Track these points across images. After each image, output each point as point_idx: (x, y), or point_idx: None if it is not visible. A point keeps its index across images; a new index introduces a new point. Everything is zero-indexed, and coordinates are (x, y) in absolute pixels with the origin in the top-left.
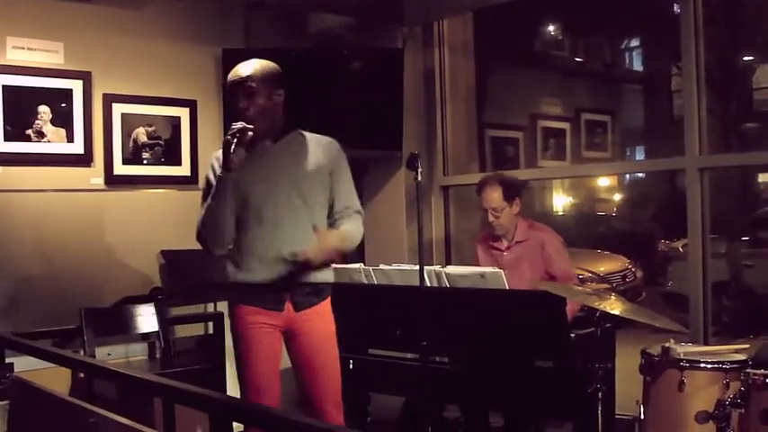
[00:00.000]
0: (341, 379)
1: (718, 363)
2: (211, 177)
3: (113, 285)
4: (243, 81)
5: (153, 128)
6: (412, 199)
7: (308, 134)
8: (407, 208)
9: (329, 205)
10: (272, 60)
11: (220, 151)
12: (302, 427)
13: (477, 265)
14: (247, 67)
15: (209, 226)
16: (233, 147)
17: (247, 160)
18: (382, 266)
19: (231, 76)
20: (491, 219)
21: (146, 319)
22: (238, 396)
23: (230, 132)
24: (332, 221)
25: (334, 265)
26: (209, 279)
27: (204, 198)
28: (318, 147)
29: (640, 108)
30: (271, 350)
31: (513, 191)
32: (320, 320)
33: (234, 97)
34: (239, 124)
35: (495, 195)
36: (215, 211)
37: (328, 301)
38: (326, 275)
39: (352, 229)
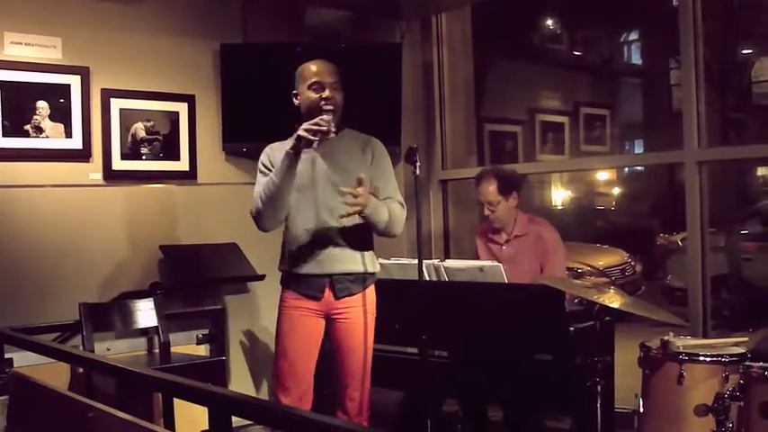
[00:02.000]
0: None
1: (717, 356)
2: (267, 163)
3: (112, 280)
4: (332, 72)
5: (151, 123)
6: (410, 193)
7: (354, 132)
8: (406, 202)
9: None
10: (270, 55)
11: (276, 144)
12: (302, 421)
13: (477, 258)
14: (328, 62)
15: (268, 200)
16: (310, 137)
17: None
18: (381, 260)
19: (318, 64)
20: (486, 212)
21: (145, 314)
22: (238, 389)
23: (317, 129)
24: None
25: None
26: (209, 274)
27: (259, 180)
28: (363, 143)
29: (639, 102)
30: (308, 331)
31: (509, 184)
32: (359, 309)
33: (316, 84)
34: (327, 120)
35: (490, 189)
36: (278, 186)
37: (371, 289)
38: (368, 265)
39: (386, 205)
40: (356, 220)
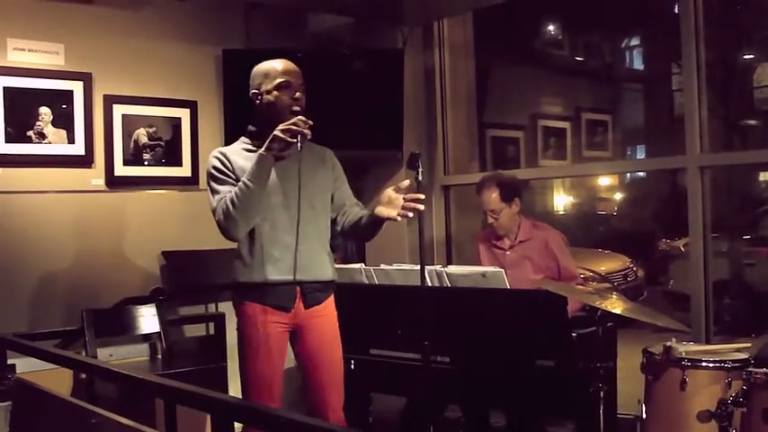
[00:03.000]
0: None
1: (719, 362)
2: (223, 168)
3: (114, 286)
4: (299, 76)
5: (153, 129)
6: None
7: (311, 143)
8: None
9: (335, 206)
10: None
11: (226, 148)
12: (304, 426)
13: (480, 264)
14: (295, 65)
15: (242, 206)
16: (288, 139)
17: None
18: (383, 266)
19: (286, 65)
20: (490, 220)
21: (147, 319)
22: (239, 394)
23: (297, 131)
24: (344, 213)
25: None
26: (211, 280)
27: (217, 187)
28: (322, 154)
29: (641, 107)
30: (278, 350)
31: (511, 191)
32: (328, 317)
33: (286, 86)
34: (304, 128)
35: (492, 196)
36: (254, 191)
37: (332, 297)
38: (332, 272)
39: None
40: (321, 226)
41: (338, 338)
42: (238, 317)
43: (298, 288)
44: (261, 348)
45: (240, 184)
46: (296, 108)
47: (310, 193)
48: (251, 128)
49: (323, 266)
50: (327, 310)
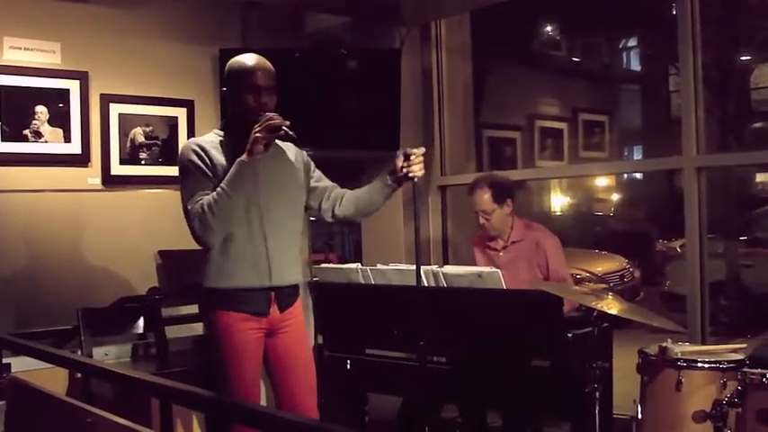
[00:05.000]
0: (339, 379)
1: (715, 362)
2: (200, 163)
3: (110, 286)
4: (269, 75)
5: (150, 128)
6: (409, 199)
7: (281, 143)
8: (404, 208)
9: (314, 195)
10: (270, 60)
11: (201, 139)
12: (297, 425)
13: (475, 266)
14: (265, 62)
15: (221, 213)
16: (267, 139)
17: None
18: (379, 266)
19: (256, 62)
20: (481, 221)
21: (143, 319)
22: None
23: (275, 124)
24: (329, 197)
25: (325, 265)
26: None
27: (193, 184)
28: (294, 155)
29: (638, 108)
30: (256, 356)
31: (503, 192)
32: (298, 317)
33: (253, 87)
34: (281, 120)
35: (484, 197)
36: (233, 199)
37: (300, 298)
38: (301, 274)
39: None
40: (296, 229)
41: (309, 338)
42: (211, 326)
43: (272, 293)
44: (241, 356)
45: (219, 190)
46: (265, 110)
47: (280, 194)
48: (223, 121)
49: (296, 270)
50: (297, 311)
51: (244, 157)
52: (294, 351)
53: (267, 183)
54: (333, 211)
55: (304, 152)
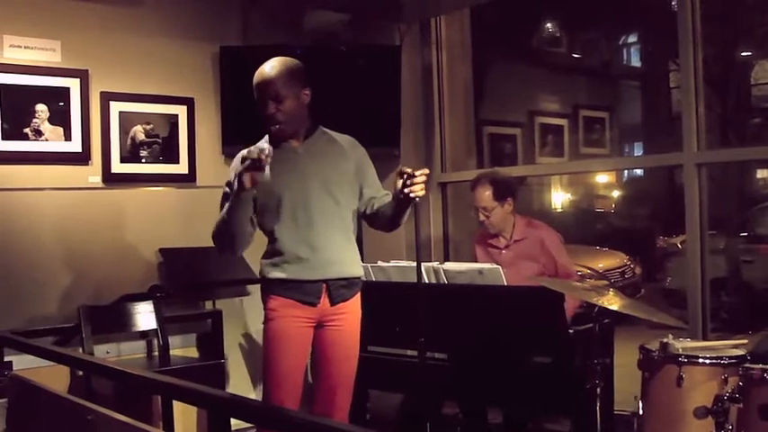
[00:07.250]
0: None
1: (716, 358)
2: (232, 178)
3: (112, 283)
4: (270, 84)
5: (151, 126)
6: None
7: (330, 132)
8: None
9: (361, 197)
10: (270, 57)
11: (245, 151)
12: (302, 424)
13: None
14: (272, 69)
15: (221, 235)
16: (246, 175)
17: (278, 162)
18: (380, 263)
19: (258, 78)
20: (481, 217)
21: (144, 316)
22: (237, 391)
23: (251, 160)
24: (372, 204)
25: None
26: (208, 277)
27: (224, 199)
28: (342, 145)
29: (638, 104)
30: (302, 344)
31: (505, 190)
32: (352, 314)
33: (261, 101)
34: (257, 151)
35: (485, 194)
36: (228, 223)
37: (359, 295)
38: (358, 268)
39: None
40: (347, 221)
41: (357, 338)
42: (265, 310)
43: (324, 285)
44: (281, 341)
45: (221, 214)
46: (274, 122)
47: (326, 187)
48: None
49: (347, 262)
50: (352, 308)
51: (236, 193)
52: (336, 344)
53: (314, 176)
54: (367, 216)
55: (360, 148)
